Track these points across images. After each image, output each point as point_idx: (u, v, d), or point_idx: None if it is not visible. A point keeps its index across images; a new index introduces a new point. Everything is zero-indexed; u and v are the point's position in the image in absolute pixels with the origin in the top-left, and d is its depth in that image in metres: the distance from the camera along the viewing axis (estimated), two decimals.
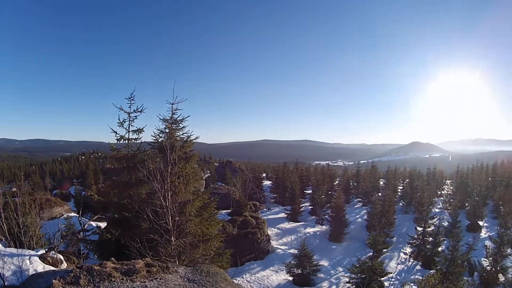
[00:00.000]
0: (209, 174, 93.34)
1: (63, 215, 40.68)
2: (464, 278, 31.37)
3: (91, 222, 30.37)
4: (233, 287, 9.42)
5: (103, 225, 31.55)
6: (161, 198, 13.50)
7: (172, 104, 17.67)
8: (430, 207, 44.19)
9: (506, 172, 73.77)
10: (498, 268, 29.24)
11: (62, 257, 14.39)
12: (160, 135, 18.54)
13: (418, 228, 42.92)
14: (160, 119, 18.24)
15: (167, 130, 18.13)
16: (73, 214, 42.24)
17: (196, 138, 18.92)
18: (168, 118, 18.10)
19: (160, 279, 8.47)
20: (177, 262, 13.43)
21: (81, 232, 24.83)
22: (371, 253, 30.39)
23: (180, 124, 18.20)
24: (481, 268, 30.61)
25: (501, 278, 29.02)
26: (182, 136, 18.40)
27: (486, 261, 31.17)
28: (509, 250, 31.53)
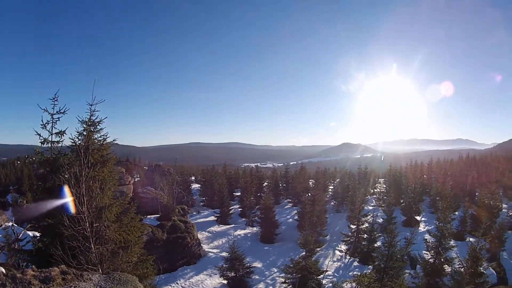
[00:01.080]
0: (138, 178, 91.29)
1: (1, 225, 39.40)
2: (407, 271, 32.16)
3: (28, 231, 28.73)
4: None
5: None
6: (77, 203, 12.74)
7: (91, 105, 16.76)
8: (363, 205, 45.16)
9: (442, 170, 77.34)
10: (442, 260, 29.95)
11: (3, 270, 13.45)
12: (79, 137, 17.57)
13: (352, 226, 43.48)
14: (79, 120, 17.29)
15: (85, 133, 17.19)
16: (11, 223, 40.75)
17: (113, 140, 18.05)
18: (86, 120, 17.18)
19: (74, 287, 8.53)
20: (99, 270, 12.72)
21: (16, 242, 23.62)
22: (304, 253, 30.33)
23: (98, 126, 17.29)
24: (423, 261, 31.16)
25: (448, 268, 29.76)
26: (99, 138, 17.51)
27: (427, 254, 31.82)
28: (452, 242, 32.65)
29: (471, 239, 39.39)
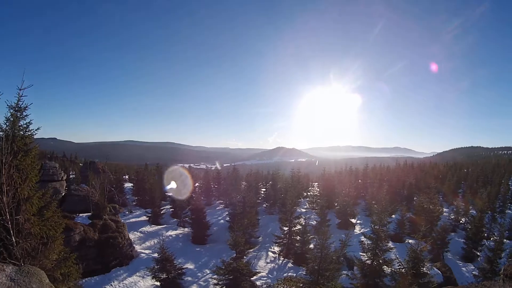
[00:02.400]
0: (73, 175, 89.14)
1: None
2: (344, 272, 32.30)
3: None
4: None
5: None
6: None
7: (20, 89, 15.61)
8: (295, 207, 45.27)
9: (377, 175, 79.32)
10: (380, 261, 30.02)
11: None
12: (7, 123, 16.29)
13: (284, 228, 43.55)
14: (7, 105, 16.04)
15: (12, 118, 15.95)
16: None
17: (38, 128, 16.80)
18: (14, 105, 15.96)
19: None
20: (22, 265, 11.71)
21: None
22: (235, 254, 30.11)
23: (24, 112, 16.08)
24: (359, 262, 31.21)
25: (387, 269, 30.03)
26: (24, 125, 16.29)
27: (364, 255, 32.02)
28: (390, 244, 33.10)
29: (410, 241, 40.39)
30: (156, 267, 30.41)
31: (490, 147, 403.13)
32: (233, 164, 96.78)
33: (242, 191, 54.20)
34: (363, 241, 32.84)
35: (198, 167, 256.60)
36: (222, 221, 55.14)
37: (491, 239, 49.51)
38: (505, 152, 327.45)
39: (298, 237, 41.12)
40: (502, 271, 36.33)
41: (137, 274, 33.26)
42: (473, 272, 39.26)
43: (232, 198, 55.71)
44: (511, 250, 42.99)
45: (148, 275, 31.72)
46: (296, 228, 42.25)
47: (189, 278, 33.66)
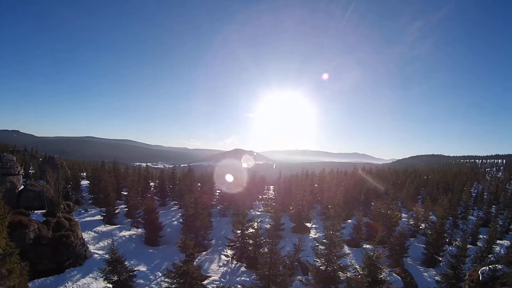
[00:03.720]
0: (33, 170, 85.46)
1: None
2: (298, 277, 31.83)
3: None
4: None
5: None
6: None
7: None
8: (251, 210, 44.75)
9: (334, 180, 79.39)
10: (335, 267, 29.72)
11: None
12: None
13: (236, 231, 43.10)
14: None
15: None
16: None
17: None
18: None
19: None
20: None
21: None
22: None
23: None
24: (313, 268, 30.87)
25: (343, 276, 29.70)
26: None
27: (317, 261, 31.65)
28: (346, 249, 32.81)
29: (367, 246, 40.32)
30: (107, 268, 29.74)
31: (451, 155, 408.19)
32: (191, 164, 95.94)
33: (194, 192, 53.50)
34: (317, 246, 32.48)
35: (156, 166, 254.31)
36: (175, 222, 54.26)
37: (453, 244, 50.08)
38: (467, 161, 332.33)
39: (251, 240, 40.73)
40: (467, 276, 36.86)
41: (91, 275, 32.51)
42: (435, 278, 39.26)
43: (185, 199, 54.89)
44: (475, 256, 43.57)
45: (101, 277, 30.99)
46: (249, 231, 41.89)
47: (141, 281, 33.11)
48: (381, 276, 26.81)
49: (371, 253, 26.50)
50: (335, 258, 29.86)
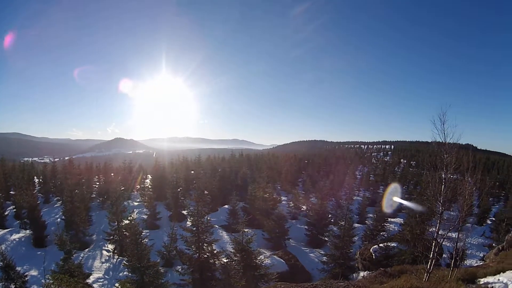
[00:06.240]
0: None
1: None
2: (178, 267, 30.86)
3: None
4: None
5: None
6: None
7: None
8: (128, 201, 43.76)
9: (211, 165, 79.86)
10: (207, 254, 28.50)
11: None
12: None
13: (112, 224, 41.48)
14: None
15: None
16: None
17: None
18: None
19: None
20: None
21: None
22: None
23: None
24: (185, 256, 29.22)
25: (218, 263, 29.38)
26: None
27: (189, 249, 31.08)
28: (225, 234, 32.59)
29: (246, 230, 41.10)
30: (3, 276, 27.69)
31: (335, 141, 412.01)
32: (73, 156, 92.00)
33: (70, 186, 51.31)
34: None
35: (42, 161, 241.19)
36: (59, 219, 50.30)
37: (340, 224, 52.20)
38: (351, 146, 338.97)
39: (127, 232, 38.94)
40: (357, 255, 37.99)
41: None
42: (323, 258, 38.70)
43: (63, 195, 52.61)
44: (365, 234, 45.63)
45: None
46: (124, 223, 40.35)
47: (35, 286, 30.91)
48: (256, 261, 26.60)
49: (240, 238, 26.41)
50: (205, 244, 29.10)
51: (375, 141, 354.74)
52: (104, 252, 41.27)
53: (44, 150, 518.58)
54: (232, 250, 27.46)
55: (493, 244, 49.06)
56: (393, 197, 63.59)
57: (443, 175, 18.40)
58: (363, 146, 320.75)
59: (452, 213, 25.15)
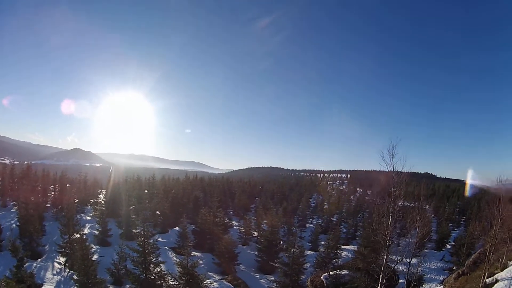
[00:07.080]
0: None
1: None
2: (127, 286, 31.45)
3: None
4: None
5: None
6: None
7: None
8: (82, 214, 44.00)
9: (163, 186, 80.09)
10: (154, 276, 29.63)
11: None
12: None
13: (64, 236, 41.81)
14: None
15: None
16: None
17: None
18: None
19: None
20: None
21: None
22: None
23: None
24: (131, 276, 29.67)
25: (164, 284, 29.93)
26: None
27: (136, 269, 31.51)
28: (174, 257, 33.26)
29: (196, 254, 41.67)
30: None
31: (291, 168, 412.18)
32: (32, 162, 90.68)
33: (26, 192, 51.09)
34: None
35: (3, 161, 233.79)
36: (14, 225, 49.33)
37: (292, 251, 53.36)
38: (307, 174, 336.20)
39: (77, 246, 39.55)
40: (308, 282, 38.46)
41: None
42: (274, 285, 39.60)
43: (19, 200, 52.47)
44: (316, 262, 45.90)
45: None
46: (75, 236, 40.50)
47: None
48: (202, 285, 27.25)
49: (185, 262, 26.78)
50: (152, 266, 29.87)
51: (332, 169, 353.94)
52: (56, 264, 40.84)
53: (4, 151, 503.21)
54: (178, 274, 27.85)
55: (454, 268, 50.10)
56: None
57: (391, 209, 19.71)
58: (319, 175, 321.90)
59: (410, 240, 25.59)
